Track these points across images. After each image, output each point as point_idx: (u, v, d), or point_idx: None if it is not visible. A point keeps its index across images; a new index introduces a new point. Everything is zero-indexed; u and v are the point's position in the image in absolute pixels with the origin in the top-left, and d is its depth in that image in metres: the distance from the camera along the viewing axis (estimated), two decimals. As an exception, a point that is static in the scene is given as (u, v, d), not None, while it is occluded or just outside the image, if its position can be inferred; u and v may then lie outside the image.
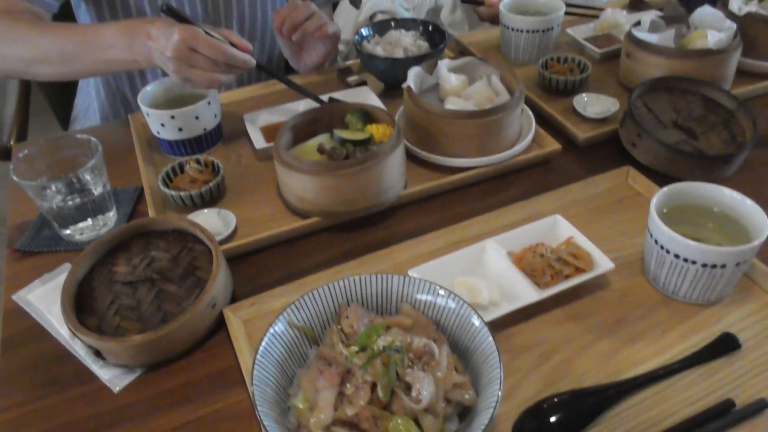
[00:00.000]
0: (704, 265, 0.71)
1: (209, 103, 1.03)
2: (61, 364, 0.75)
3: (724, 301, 0.77)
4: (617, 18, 1.33)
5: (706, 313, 0.76)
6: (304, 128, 0.98)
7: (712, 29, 1.10)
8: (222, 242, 0.87)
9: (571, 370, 0.70)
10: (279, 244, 0.90)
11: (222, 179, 0.97)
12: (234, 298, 0.81)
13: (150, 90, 1.06)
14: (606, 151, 1.04)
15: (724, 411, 0.65)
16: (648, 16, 1.17)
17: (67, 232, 0.91)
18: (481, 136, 0.97)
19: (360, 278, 0.70)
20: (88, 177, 0.87)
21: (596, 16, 1.37)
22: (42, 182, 0.87)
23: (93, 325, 0.74)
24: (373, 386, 0.59)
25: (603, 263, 0.78)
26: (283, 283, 0.81)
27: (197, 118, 1.02)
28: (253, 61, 1.00)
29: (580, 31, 1.34)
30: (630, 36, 1.14)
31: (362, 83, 1.23)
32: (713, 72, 1.08)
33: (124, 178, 1.02)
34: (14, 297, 0.83)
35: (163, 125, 1.02)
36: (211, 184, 0.94)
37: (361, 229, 0.92)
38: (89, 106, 1.38)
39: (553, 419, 0.65)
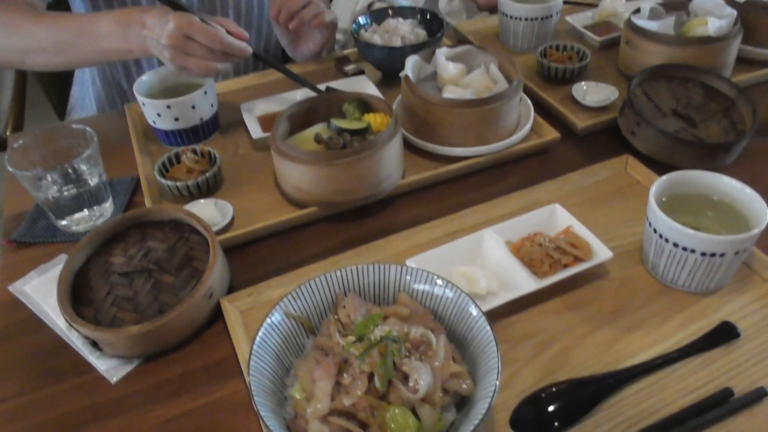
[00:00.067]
0: (703, 254, 0.71)
1: (205, 92, 1.02)
2: (58, 355, 0.75)
3: (723, 290, 0.77)
4: (616, 5, 1.32)
5: (705, 302, 0.76)
6: (301, 118, 0.98)
7: (712, 16, 1.10)
8: (219, 232, 0.87)
9: (570, 360, 0.70)
10: (276, 234, 0.90)
11: (219, 169, 0.96)
12: (231, 289, 0.81)
13: (146, 80, 1.06)
14: (605, 140, 1.04)
15: (722, 400, 0.65)
16: (647, 3, 1.16)
17: (64, 222, 0.90)
18: (480, 125, 0.97)
19: (357, 268, 0.69)
20: (83, 167, 0.87)
21: (595, 4, 1.36)
22: (37, 173, 0.86)
23: (89, 316, 0.73)
24: (370, 376, 0.59)
25: (602, 252, 0.78)
26: (280, 273, 0.81)
27: (193, 107, 1.02)
28: (250, 49, 0.99)
29: (579, 19, 1.34)
30: (629, 23, 1.13)
31: (360, 72, 1.22)
32: (713, 59, 1.07)
33: (121, 169, 1.02)
34: (10, 288, 0.83)
35: (159, 115, 1.01)
36: (207, 174, 0.93)
37: (359, 219, 0.92)
38: (85, 96, 1.37)
39: (551, 408, 0.65)
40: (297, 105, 0.97)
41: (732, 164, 0.96)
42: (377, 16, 1.26)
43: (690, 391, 0.66)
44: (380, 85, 1.18)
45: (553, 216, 0.85)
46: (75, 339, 0.76)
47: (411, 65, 1.03)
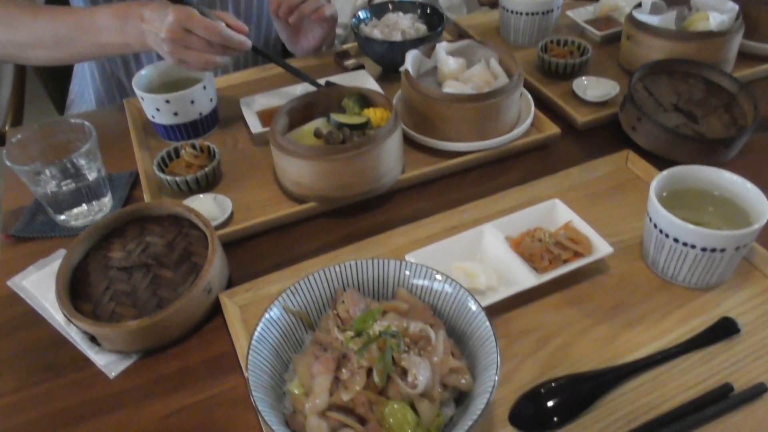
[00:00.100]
0: (703, 249, 0.71)
1: (204, 87, 1.02)
2: (57, 350, 0.75)
3: (724, 285, 0.76)
4: (618, 0, 1.31)
5: (705, 297, 0.75)
6: (301, 112, 0.97)
7: (713, 11, 1.09)
8: (218, 227, 0.86)
9: (569, 355, 0.70)
10: (275, 230, 0.89)
11: (218, 164, 0.96)
12: (230, 284, 0.81)
13: (145, 74, 1.05)
14: (605, 135, 1.03)
15: (722, 395, 0.65)
16: (649, -2, 1.16)
17: (62, 217, 0.90)
18: (480, 120, 0.96)
19: (356, 263, 0.69)
20: (82, 162, 0.86)
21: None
22: (36, 167, 0.86)
23: (88, 311, 0.73)
24: (369, 371, 0.59)
25: (601, 247, 0.78)
26: (279, 268, 0.81)
27: (192, 102, 1.01)
28: (249, 43, 0.99)
29: (580, 14, 1.33)
30: (631, 18, 1.12)
31: (359, 67, 1.22)
32: (715, 54, 1.06)
33: (120, 163, 1.02)
34: (9, 283, 0.83)
35: (158, 110, 1.01)
36: (206, 169, 0.93)
37: (358, 214, 0.92)
38: (84, 91, 1.37)
39: (550, 404, 0.64)
40: (296, 100, 0.97)
41: (733, 159, 0.96)
42: (377, 10, 1.26)
43: (690, 387, 0.66)
44: (380, 79, 1.18)
45: (553, 211, 0.84)
46: (74, 334, 0.76)
47: (411, 60, 1.03)
